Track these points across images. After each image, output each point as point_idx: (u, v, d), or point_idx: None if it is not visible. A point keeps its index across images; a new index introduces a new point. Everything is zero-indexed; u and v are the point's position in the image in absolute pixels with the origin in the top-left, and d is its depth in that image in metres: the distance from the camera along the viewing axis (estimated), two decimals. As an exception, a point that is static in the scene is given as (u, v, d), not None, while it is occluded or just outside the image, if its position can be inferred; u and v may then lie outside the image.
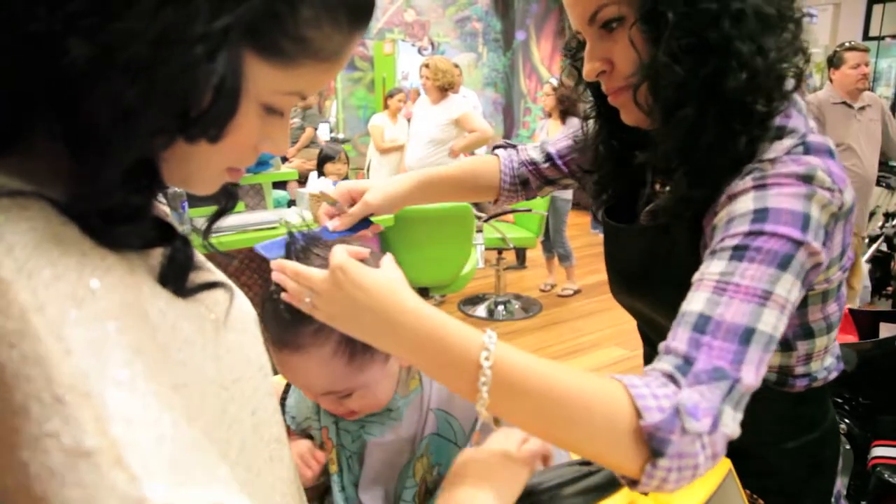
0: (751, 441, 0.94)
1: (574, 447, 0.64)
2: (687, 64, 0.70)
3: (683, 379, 0.62)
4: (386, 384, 0.83)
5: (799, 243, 0.67)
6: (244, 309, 0.60)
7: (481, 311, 4.41)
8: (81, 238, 0.42)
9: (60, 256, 0.39)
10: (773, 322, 0.66)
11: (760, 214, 0.68)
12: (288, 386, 0.98)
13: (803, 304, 0.82)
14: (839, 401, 1.70)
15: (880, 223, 4.10)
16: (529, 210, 4.33)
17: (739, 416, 0.64)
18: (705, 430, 0.60)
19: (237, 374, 0.53)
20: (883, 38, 8.07)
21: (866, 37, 8.18)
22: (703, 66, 0.70)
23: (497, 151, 1.15)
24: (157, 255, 0.50)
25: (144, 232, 0.47)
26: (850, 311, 2.03)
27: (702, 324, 0.65)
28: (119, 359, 0.38)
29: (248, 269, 2.90)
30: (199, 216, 2.54)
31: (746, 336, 0.64)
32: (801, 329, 0.85)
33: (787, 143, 0.73)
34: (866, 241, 3.57)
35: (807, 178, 0.70)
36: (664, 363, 0.64)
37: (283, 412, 0.96)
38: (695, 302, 0.67)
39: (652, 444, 0.59)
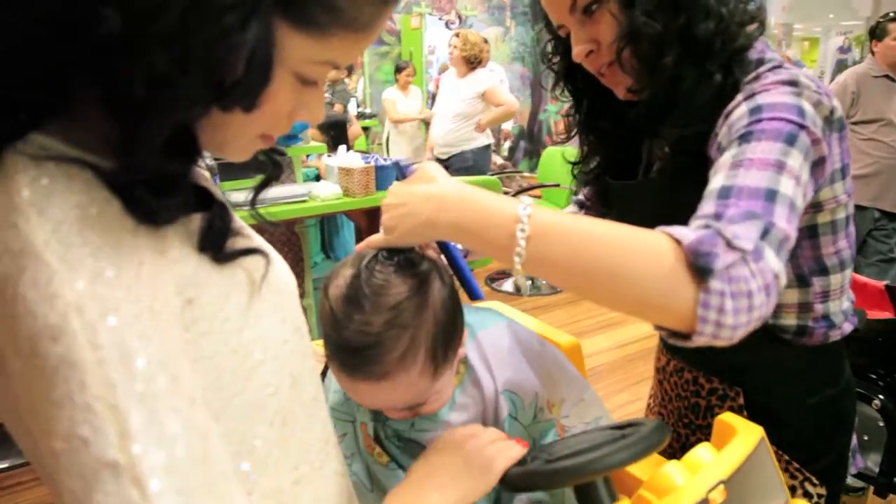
0: (773, 397, 0.97)
1: (616, 293, 0.62)
2: (661, 19, 0.79)
3: (716, 223, 0.62)
4: (452, 381, 0.81)
5: (800, 126, 0.71)
6: (282, 273, 0.61)
7: (508, 286, 4.41)
8: (122, 217, 0.43)
9: (102, 247, 0.41)
10: (791, 189, 0.67)
11: (756, 111, 0.73)
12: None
13: (814, 235, 0.86)
14: (874, 377, 1.67)
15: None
16: (557, 185, 4.30)
17: (783, 265, 0.62)
18: (749, 248, 0.59)
19: (271, 339, 0.55)
20: (927, 8, 7.79)
21: (910, 7, 7.89)
22: (676, 20, 0.79)
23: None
24: (196, 218, 0.50)
25: (185, 201, 0.48)
26: (887, 287, 1.99)
27: (724, 193, 0.66)
28: (146, 372, 0.41)
29: (279, 242, 2.93)
30: (231, 189, 2.56)
31: (770, 195, 0.65)
32: (815, 263, 0.89)
33: (767, 66, 0.80)
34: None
35: (792, 83, 0.75)
36: (697, 223, 0.65)
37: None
38: (714, 183, 0.69)
39: (698, 263, 0.58)
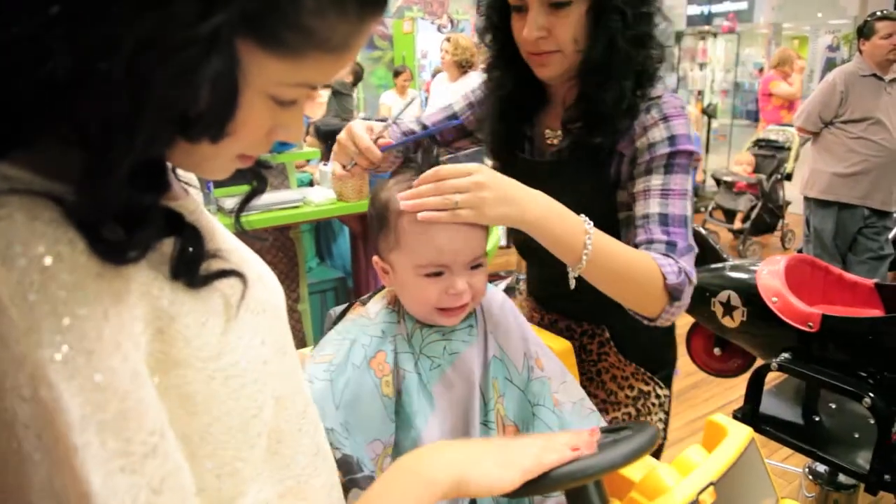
0: (628, 328, 1.14)
1: (623, 294, 0.98)
2: (635, 51, 0.99)
3: (674, 254, 0.99)
4: (486, 275, 0.96)
5: (691, 153, 1.03)
6: (263, 291, 0.59)
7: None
8: (87, 262, 0.41)
9: (67, 302, 0.39)
10: (690, 209, 1.03)
11: (672, 140, 1.02)
12: None
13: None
14: (864, 374, 1.69)
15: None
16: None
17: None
18: (694, 280, 0.99)
19: (250, 361, 0.53)
20: (915, 6, 7.83)
21: (898, 5, 7.92)
22: (641, 52, 1.00)
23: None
24: (168, 243, 0.49)
25: (155, 231, 0.46)
26: (877, 285, 2.01)
27: (664, 220, 1.01)
28: (121, 453, 0.41)
29: (273, 248, 2.93)
30: (225, 195, 2.57)
31: (685, 221, 1.02)
32: None
33: (661, 87, 1.06)
34: (895, 215, 3.48)
35: (683, 108, 1.05)
36: (659, 247, 0.99)
37: None
38: (652, 206, 1.01)
39: (673, 294, 0.96)
